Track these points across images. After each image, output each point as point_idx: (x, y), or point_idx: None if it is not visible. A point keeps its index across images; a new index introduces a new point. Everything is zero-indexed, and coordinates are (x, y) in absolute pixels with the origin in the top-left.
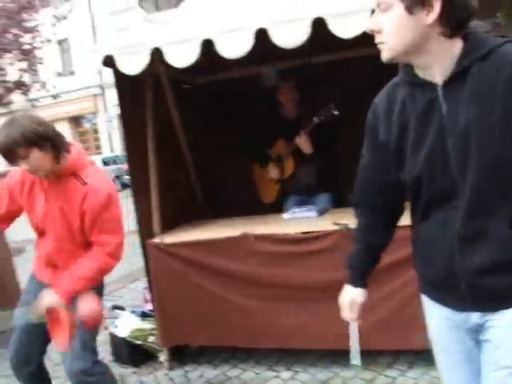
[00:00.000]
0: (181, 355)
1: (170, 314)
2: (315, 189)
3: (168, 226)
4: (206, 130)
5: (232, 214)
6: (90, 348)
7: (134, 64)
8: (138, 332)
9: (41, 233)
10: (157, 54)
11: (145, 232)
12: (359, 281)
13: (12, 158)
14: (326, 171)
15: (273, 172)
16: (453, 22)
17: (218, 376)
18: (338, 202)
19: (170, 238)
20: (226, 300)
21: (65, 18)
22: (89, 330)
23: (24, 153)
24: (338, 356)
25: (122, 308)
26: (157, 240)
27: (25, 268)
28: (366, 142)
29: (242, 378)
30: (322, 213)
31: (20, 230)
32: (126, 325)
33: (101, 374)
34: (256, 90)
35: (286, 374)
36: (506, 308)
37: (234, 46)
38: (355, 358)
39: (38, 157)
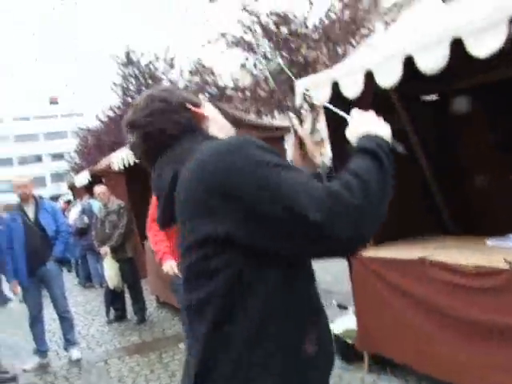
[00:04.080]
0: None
1: (367, 321)
2: None
3: (389, 237)
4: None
5: (485, 232)
6: None
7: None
8: (351, 332)
9: None
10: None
11: None
12: None
13: None
14: None
15: None
16: None
17: None
18: None
19: (369, 252)
20: (408, 320)
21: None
22: None
23: None
24: None
25: (345, 307)
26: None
27: None
28: None
29: None
30: None
31: None
32: (342, 323)
33: None
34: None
35: None
36: None
37: None
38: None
39: None
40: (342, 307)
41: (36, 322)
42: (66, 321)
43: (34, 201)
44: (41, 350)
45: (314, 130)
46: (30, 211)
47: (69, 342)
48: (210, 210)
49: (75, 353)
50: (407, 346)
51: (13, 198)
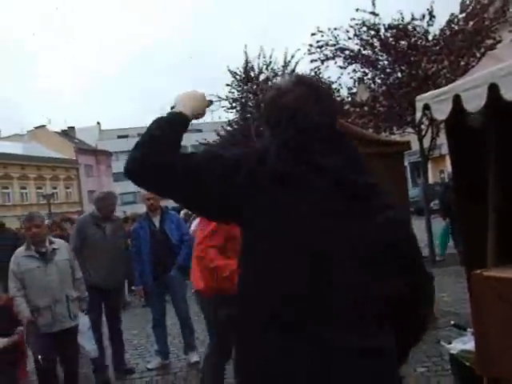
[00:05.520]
0: None
1: (487, 344)
2: None
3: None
4: None
5: None
6: None
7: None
8: (468, 353)
9: None
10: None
11: (470, 261)
12: None
13: None
14: None
15: None
16: None
17: None
18: None
19: (492, 271)
20: None
21: None
22: None
23: None
24: None
25: (463, 328)
26: (478, 271)
27: None
28: None
29: None
30: None
31: None
32: (460, 343)
33: None
34: None
35: None
36: None
37: None
38: None
39: None
40: (460, 328)
41: (158, 325)
42: (186, 326)
43: (160, 211)
44: (162, 352)
45: (433, 146)
46: (156, 221)
47: (188, 346)
48: None
49: (194, 357)
50: None
51: (136, 209)
